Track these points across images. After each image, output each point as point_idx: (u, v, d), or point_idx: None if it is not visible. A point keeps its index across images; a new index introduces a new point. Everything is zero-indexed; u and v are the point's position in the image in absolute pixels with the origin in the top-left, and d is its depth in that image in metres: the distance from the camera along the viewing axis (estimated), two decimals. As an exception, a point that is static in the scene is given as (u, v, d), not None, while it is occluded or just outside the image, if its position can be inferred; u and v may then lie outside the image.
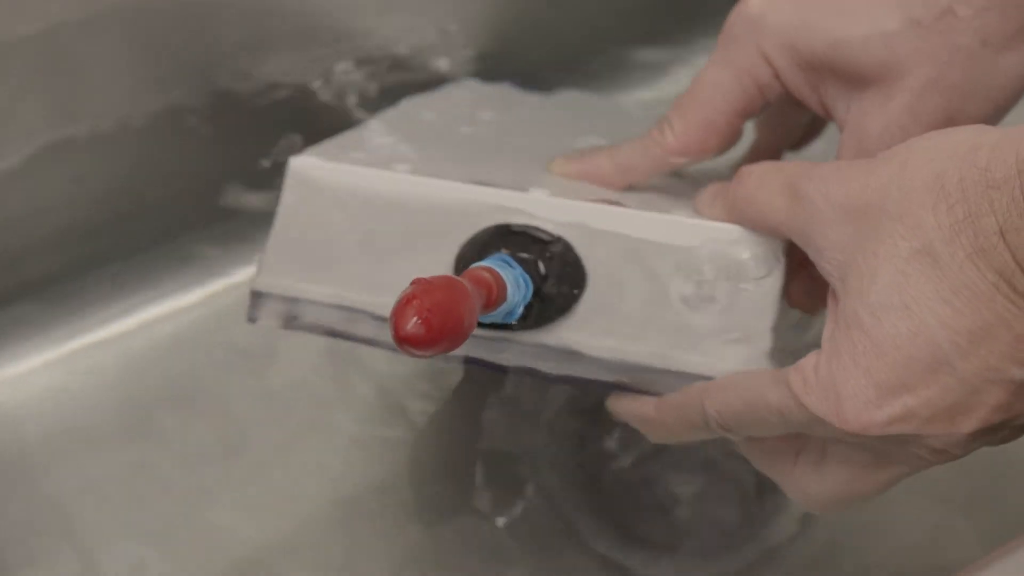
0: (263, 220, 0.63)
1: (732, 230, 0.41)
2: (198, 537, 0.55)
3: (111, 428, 0.58)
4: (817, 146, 0.50)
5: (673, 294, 0.41)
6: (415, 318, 0.33)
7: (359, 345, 0.44)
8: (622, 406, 0.44)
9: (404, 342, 0.33)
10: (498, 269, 0.39)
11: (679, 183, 0.47)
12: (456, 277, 0.36)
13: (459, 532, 0.55)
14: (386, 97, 0.61)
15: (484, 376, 0.58)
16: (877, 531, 0.53)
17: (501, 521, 0.55)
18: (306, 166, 0.44)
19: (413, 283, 0.34)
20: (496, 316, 0.39)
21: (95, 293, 0.62)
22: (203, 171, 0.62)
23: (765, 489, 0.54)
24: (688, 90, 0.44)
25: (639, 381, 0.42)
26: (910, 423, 0.34)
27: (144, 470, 0.56)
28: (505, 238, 0.42)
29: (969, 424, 0.34)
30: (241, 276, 0.63)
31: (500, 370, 0.43)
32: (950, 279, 0.33)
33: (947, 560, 0.52)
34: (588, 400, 0.56)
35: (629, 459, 0.56)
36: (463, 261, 0.42)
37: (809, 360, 0.36)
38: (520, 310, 0.40)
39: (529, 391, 0.57)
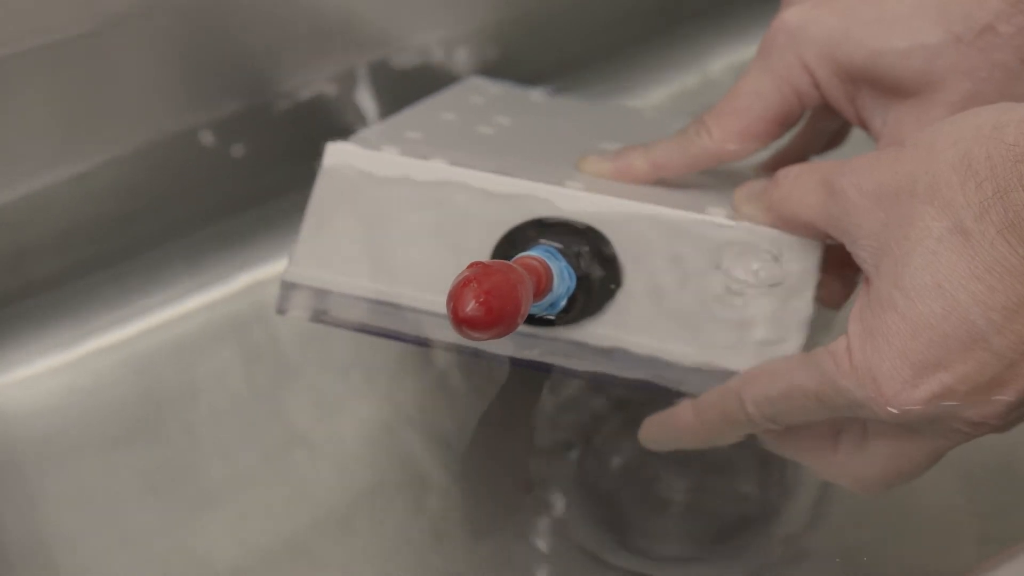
0: (268, 224, 0.64)
1: (768, 230, 0.42)
2: (203, 539, 0.54)
3: (115, 431, 0.57)
4: (841, 151, 0.51)
5: (709, 293, 0.42)
6: (474, 300, 0.33)
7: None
8: (655, 426, 0.44)
9: (463, 324, 0.33)
10: (545, 259, 0.39)
11: (710, 179, 0.47)
12: (510, 263, 0.36)
13: (460, 535, 0.55)
14: (394, 101, 0.62)
15: (488, 380, 0.58)
16: (880, 535, 0.53)
17: (500, 521, 0.55)
18: (344, 153, 0.44)
19: (470, 266, 0.34)
20: (540, 307, 0.40)
21: (100, 296, 0.61)
22: (210, 175, 0.62)
23: (767, 492, 0.55)
24: (727, 96, 0.44)
25: (674, 380, 0.42)
26: (948, 399, 0.35)
27: (149, 472, 0.56)
28: (545, 231, 0.42)
29: (1007, 397, 0.35)
30: (245, 281, 0.63)
31: (542, 368, 0.43)
32: (982, 256, 0.34)
33: (949, 564, 0.53)
34: (587, 401, 0.57)
35: (631, 462, 0.56)
36: (501, 254, 0.42)
37: (840, 343, 0.37)
38: (563, 302, 0.40)
39: (528, 393, 0.58)
